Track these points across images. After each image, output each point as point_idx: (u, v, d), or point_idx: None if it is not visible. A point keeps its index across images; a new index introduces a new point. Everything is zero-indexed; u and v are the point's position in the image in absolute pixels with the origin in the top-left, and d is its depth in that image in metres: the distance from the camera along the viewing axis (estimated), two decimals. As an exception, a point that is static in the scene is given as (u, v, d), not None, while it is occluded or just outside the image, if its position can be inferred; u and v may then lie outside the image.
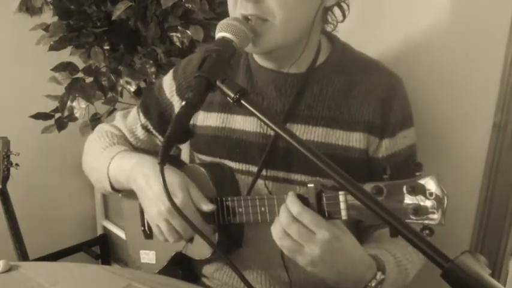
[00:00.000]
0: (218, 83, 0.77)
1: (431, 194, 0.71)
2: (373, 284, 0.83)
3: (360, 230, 1.06)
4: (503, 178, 1.12)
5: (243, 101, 0.74)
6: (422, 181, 0.71)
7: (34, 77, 1.89)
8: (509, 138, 1.10)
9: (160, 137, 1.16)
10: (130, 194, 1.05)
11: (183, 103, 0.78)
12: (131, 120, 1.18)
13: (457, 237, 1.20)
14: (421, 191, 0.71)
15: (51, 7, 1.73)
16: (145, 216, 1.00)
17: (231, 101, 0.75)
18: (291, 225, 0.78)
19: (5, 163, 1.59)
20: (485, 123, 1.12)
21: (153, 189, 0.94)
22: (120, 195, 1.17)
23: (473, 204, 1.17)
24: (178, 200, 0.89)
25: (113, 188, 1.08)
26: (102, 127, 1.20)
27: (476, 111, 1.14)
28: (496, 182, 1.13)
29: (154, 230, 0.98)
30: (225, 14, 0.94)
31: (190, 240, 1.03)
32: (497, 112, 1.10)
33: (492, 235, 1.16)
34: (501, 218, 1.14)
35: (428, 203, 0.71)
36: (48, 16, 1.79)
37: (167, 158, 0.76)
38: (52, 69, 1.72)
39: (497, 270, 1.17)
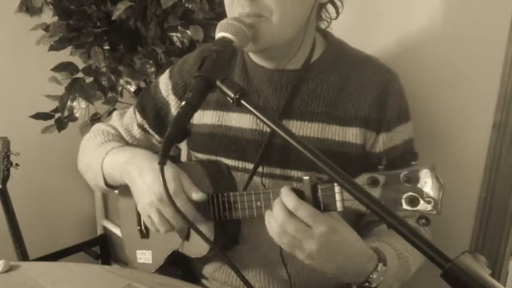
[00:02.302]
0: (218, 83, 0.77)
1: (426, 183, 0.71)
2: (374, 276, 0.83)
3: (360, 226, 1.06)
4: (503, 178, 1.12)
5: (243, 101, 0.74)
6: (418, 171, 0.71)
7: (34, 77, 1.89)
8: (509, 138, 1.10)
9: (156, 136, 1.16)
10: (126, 192, 1.05)
11: (183, 103, 0.78)
12: (128, 119, 1.18)
13: (457, 237, 1.20)
14: (416, 180, 0.71)
15: (51, 7, 1.73)
16: (138, 208, 1.00)
17: (231, 101, 0.75)
18: (288, 222, 0.78)
19: (5, 163, 1.60)
20: (485, 123, 1.12)
21: (146, 180, 0.95)
22: (116, 192, 1.17)
23: (473, 204, 1.17)
24: (169, 190, 0.88)
25: (106, 184, 1.09)
26: (98, 126, 1.21)
27: (476, 111, 1.14)
28: (496, 182, 1.13)
29: (146, 220, 0.98)
30: (225, 14, 0.95)
31: (187, 238, 1.03)
32: (497, 112, 1.10)
33: (492, 235, 1.16)
34: (501, 218, 1.14)
35: (424, 193, 0.71)
36: (48, 16, 1.79)
37: (167, 158, 0.76)
38: (52, 69, 1.72)
39: (497, 270, 1.17)
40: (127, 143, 1.17)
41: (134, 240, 1.15)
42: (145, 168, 0.96)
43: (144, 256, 1.14)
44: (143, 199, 0.95)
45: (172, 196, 0.85)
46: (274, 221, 0.80)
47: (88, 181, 1.18)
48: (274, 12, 0.88)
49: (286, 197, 0.79)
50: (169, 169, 0.93)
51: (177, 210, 0.78)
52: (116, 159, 1.05)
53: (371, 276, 0.83)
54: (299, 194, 0.80)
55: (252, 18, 0.88)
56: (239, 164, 1.03)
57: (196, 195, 0.93)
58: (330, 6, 1.02)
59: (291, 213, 0.78)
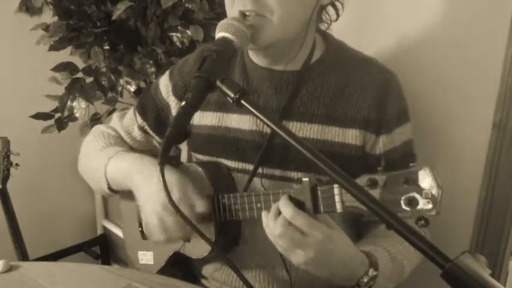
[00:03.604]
0: (218, 83, 0.77)
1: (425, 183, 0.71)
2: (364, 280, 0.84)
3: (359, 227, 1.06)
4: (503, 178, 1.12)
5: (243, 101, 0.74)
6: (416, 172, 0.72)
7: (34, 77, 1.89)
8: (509, 138, 1.10)
9: (157, 137, 1.16)
10: (127, 195, 1.05)
11: (183, 103, 0.78)
12: (128, 121, 1.18)
13: (457, 237, 1.20)
14: (415, 181, 0.72)
15: (51, 7, 1.73)
16: (141, 214, 1.00)
17: (231, 101, 0.75)
18: (284, 234, 0.79)
19: (5, 163, 1.60)
20: (485, 123, 1.12)
21: (150, 187, 0.94)
22: (118, 196, 1.16)
23: (473, 204, 1.17)
24: (174, 198, 0.88)
25: (110, 188, 1.08)
26: (98, 128, 1.20)
27: (476, 111, 1.14)
28: (496, 182, 1.13)
29: (147, 228, 0.97)
30: (225, 14, 0.95)
31: (188, 239, 1.03)
32: (497, 112, 1.10)
33: (492, 235, 1.16)
34: (501, 218, 1.14)
35: (422, 194, 0.71)
36: (48, 16, 1.79)
37: (167, 158, 0.76)
38: (52, 69, 1.71)
39: (497, 270, 1.17)
40: (127, 145, 1.17)
41: (136, 241, 1.15)
42: (150, 174, 0.95)
43: (146, 257, 1.14)
44: (147, 205, 0.94)
45: (177, 203, 0.86)
46: (271, 233, 0.82)
47: (89, 183, 1.17)
48: (275, 12, 0.88)
49: (284, 207, 0.81)
50: (175, 176, 0.93)
51: (179, 213, 0.78)
52: (120, 164, 1.04)
53: (361, 280, 0.85)
54: (298, 203, 0.81)
55: (253, 17, 0.89)
56: (239, 165, 1.03)
57: (200, 207, 0.92)
58: (330, 8, 1.02)
59: (287, 224, 0.80)
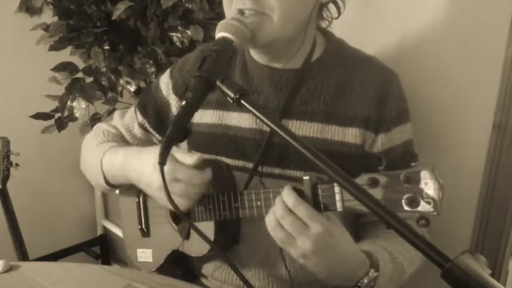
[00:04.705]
0: (218, 83, 0.77)
1: (426, 183, 0.70)
2: (365, 281, 0.83)
3: (358, 227, 1.06)
4: (503, 178, 1.12)
5: (243, 101, 0.74)
6: (417, 171, 0.71)
7: (34, 77, 1.89)
8: (509, 138, 1.10)
9: (157, 135, 1.17)
10: (127, 191, 1.05)
11: (183, 103, 0.78)
12: (128, 119, 1.19)
13: (457, 237, 1.20)
14: (416, 181, 0.71)
15: (51, 7, 1.73)
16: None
17: (231, 101, 0.75)
18: (285, 217, 0.79)
19: (5, 163, 1.60)
20: (485, 123, 1.12)
21: (149, 163, 0.94)
22: (117, 192, 1.17)
23: (473, 204, 1.17)
24: (168, 168, 0.87)
25: (107, 183, 1.09)
26: (99, 126, 1.22)
27: (476, 111, 1.14)
28: (496, 182, 1.13)
29: (159, 201, 0.96)
30: (225, 14, 0.95)
31: (187, 237, 1.03)
32: (497, 112, 1.10)
33: (492, 235, 1.16)
34: (501, 218, 1.14)
35: (423, 193, 0.71)
36: (48, 16, 1.79)
37: (167, 157, 0.77)
38: (52, 69, 1.72)
39: (497, 270, 1.17)
40: (128, 143, 1.18)
41: (135, 239, 1.15)
42: (143, 155, 0.96)
43: (145, 255, 1.14)
44: (152, 181, 0.93)
45: (174, 172, 0.88)
46: (272, 214, 0.81)
47: (90, 180, 1.19)
48: (276, 10, 0.89)
49: (287, 195, 0.80)
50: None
51: (178, 211, 0.78)
52: (114, 157, 1.05)
53: (361, 281, 0.83)
54: (300, 193, 0.80)
55: (253, 16, 0.89)
56: (239, 163, 1.03)
57: (191, 160, 0.91)
58: (331, 6, 1.02)
59: (289, 210, 0.79)
